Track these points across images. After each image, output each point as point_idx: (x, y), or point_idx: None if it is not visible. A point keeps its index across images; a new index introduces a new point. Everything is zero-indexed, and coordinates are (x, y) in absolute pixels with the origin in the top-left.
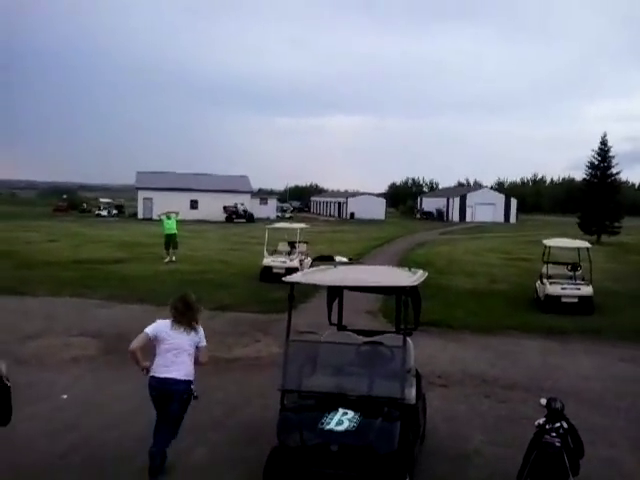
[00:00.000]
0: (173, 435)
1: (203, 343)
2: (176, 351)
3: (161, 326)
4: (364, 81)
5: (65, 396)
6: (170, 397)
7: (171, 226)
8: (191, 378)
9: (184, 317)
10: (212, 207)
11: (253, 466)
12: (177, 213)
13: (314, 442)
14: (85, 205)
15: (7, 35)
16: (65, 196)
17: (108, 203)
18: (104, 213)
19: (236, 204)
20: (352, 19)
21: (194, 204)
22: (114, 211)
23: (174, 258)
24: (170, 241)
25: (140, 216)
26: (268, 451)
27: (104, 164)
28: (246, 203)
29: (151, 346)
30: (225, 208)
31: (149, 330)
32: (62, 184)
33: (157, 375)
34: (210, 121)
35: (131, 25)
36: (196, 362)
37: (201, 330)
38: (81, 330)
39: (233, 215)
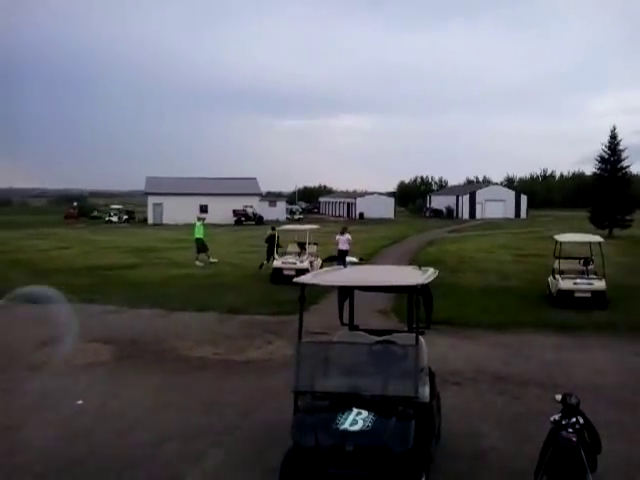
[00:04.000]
0: None
1: None
2: None
3: None
4: (371, 80)
5: (80, 402)
6: None
7: (197, 231)
8: None
9: None
10: (221, 210)
11: (269, 468)
12: (202, 219)
13: (329, 443)
14: (96, 212)
15: (11, 43)
16: (76, 203)
17: (119, 209)
18: (115, 219)
19: (245, 207)
20: (358, 19)
21: (204, 208)
22: (125, 217)
23: (198, 263)
24: (197, 245)
25: (150, 221)
26: (283, 453)
27: (114, 170)
28: (255, 206)
29: None
30: (234, 211)
31: None
32: (73, 191)
33: None
34: (217, 124)
35: (138, 31)
36: None
37: None
38: (94, 336)
39: (242, 218)
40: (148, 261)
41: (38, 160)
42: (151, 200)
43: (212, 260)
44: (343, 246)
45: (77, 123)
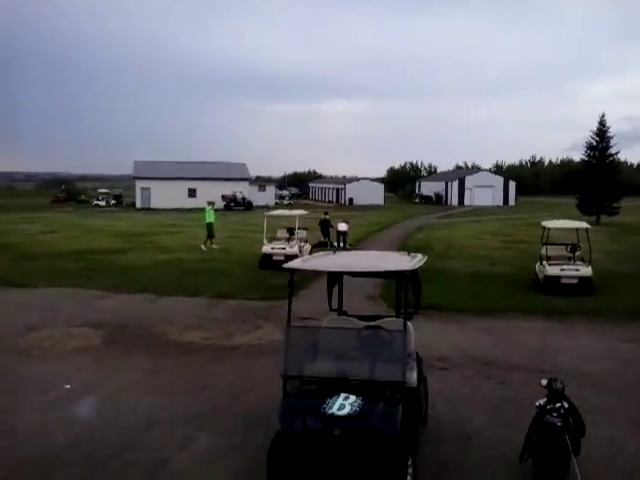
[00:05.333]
0: None
1: None
2: None
3: None
4: (363, 65)
5: (68, 386)
6: None
7: (209, 215)
8: None
9: None
10: (210, 195)
11: (257, 452)
12: (212, 203)
13: (317, 427)
14: (83, 196)
15: (3, 29)
16: (63, 187)
17: (106, 193)
18: (102, 203)
19: (234, 192)
20: (351, 3)
21: (192, 192)
22: (112, 201)
23: (203, 247)
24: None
25: (138, 205)
26: (271, 437)
27: (102, 154)
28: (244, 191)
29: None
30: (223, 196)
31: None
32: (60, 175)
33: None
34: (207, 109)
35: (125, 14)
36: None
37: None
38: (82, 320)
39: (232, 203)
40: (136, 246)
41: (26, 143)
42: (139, 184)
43: (214, 247)
44: (342, 228)
45: (65, 107)
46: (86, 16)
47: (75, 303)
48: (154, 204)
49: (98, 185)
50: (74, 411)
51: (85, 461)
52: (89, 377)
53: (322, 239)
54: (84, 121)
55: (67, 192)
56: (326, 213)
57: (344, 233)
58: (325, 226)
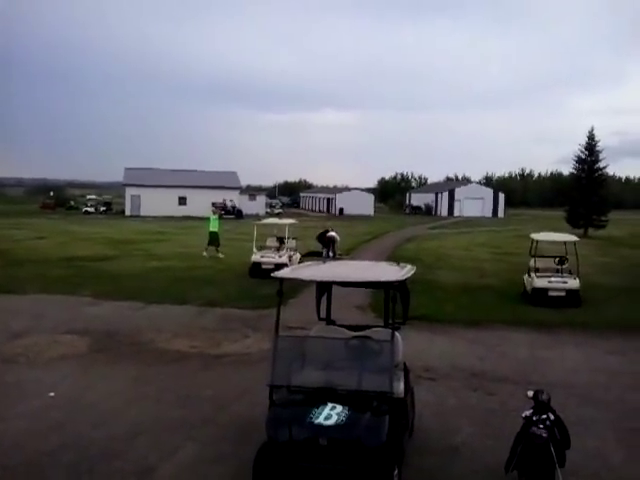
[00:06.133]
0: None
1: None
2: None
3: None
4: (353, 76)
5: (53, 394)
6: None
7: (213, 224)
8: None
9: None
10: (201, 203)
11: (243, 462)
12: (217, 212)
13: (303, 436)
14: (72, 202)
15: None
16: (52, 193)
17: (96, 200)
18: (92, 210)
19: (225, 200)
20: (340, 13)
21: (182, 201)
22: (102, 208)
23: (205, 254)
24: (211, 237)
25: (128, 213)
26: (258, 447)
27: (92, 161)
28: (235, 199)
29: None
30: (214, 205)
31: None
32: (50, 181)
33: None
34: (198, 117)
35: (117, 21)
36: None
37: None
38: (69, 328)
39: (222, 211)
40: (126, 253)
41: (15, 149)
42: (129, 191)
43: (220, 255)
44: (332, 234)
45: (55, 113)
46: (76, 22)
47: (63, 310)
48: (144, 212)
49: (87, 192)
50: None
51: (69, 468)
52: (74, 385)
53: (321, 250)
54: (74, 127)
55: (56, 198)
56: (332, 229)
57: (333, 242)
58: (327, 240)
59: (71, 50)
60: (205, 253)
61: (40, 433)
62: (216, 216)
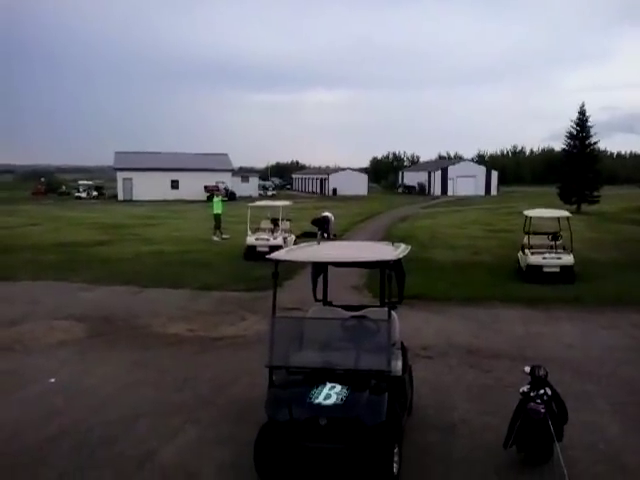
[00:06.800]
0: None
1: None
2: None
3: None
4: (344, 55)
5: (53, 380)
6: None
7: (216, 206)
8: None
9: None
10: (193, 186)
11: (244, 442)
12: (219, 194)
13: (303, 416)
14: (64, 187)
15: None
16: (43, 179)
17: (88, 185)
18: (84, 195)
19: (217, 183)
20: None
21: (175, 184)
22: (94, 193)
23: (215, 238)
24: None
25: (120, 197)
26: (258, 428)
27: (82, 145)
28: (227, 181)
29: None
30: (206, 187)
31: None
32: (40, 167)
33: None
34: (189, 99)
35: (108, 6)
36: None
37: None
38: (66, 314)
39: (224, 194)
40: (119, 238)
41: (4, 135)
42: (120, 175)
43: (225, 236)
44: (326, 214)
45: (45, 98)
46: (63, 6)
47: (58, 296)
48: (136, 196)
49: (78, 176)
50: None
51: (71, 454)
52: (74, 370)
53: (316, 231)
54: (63, 111)
55: (47, 184)
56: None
57: (328, 222)
58: (322, 220)
59: (60, 35)
60: (215, 237)
61: (40, 419)
62: (219, 198)
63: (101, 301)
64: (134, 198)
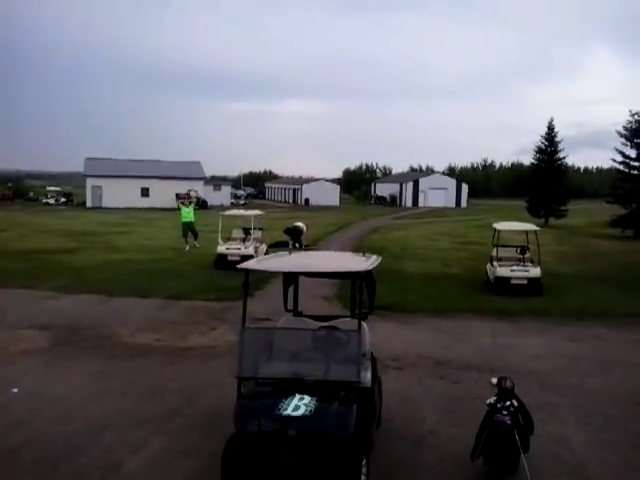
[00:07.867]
0: None
1: None
2: None
3: None
4: (317, 66)
5: (16, 390)
6: None
7: (187, 214)
8: None
9: None
10: (164, 194)
11: (211, 454)
12: (191, 201)
13: (271, 428)
14: (32, 193)
15: None
16: (10, 184)
17: (56, 191)
18: (52, 202)
19: (189, 191)
20: (308, 4)
21: (145, 191)
22: (62, 199)
23: (196, 244)
24: (188, 229)
25: (89, 204)
26: (226, 439)
27: (51, 151)
28: (199, 190)
29: None
30: (177, 195)
31: None
32: (9, 172)
33: None
34: (161, 106)
35: (82, 11)
36: None
37: None
38: (30, 322)
39: (193, 201)
40: (87, 245)
41: None
42: (90, 182)
43: (197, 245)
44: (299, 224)
45: (15, 102)
46: (37, 7)
47: (23, 304)
48: (105, 203)
49: (47, 183)
50: None
51: (34, 465)
52: (38, 380)
53: (288, 240)
54: (34, 117)
55: (15, 189)
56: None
57: (301, 232)
58: (294, 230)
59: (30, 38)
60: (187, 247)
61: (2, 430)
62: (191, 207)
63: (67, 310)
64: (103, 205)
